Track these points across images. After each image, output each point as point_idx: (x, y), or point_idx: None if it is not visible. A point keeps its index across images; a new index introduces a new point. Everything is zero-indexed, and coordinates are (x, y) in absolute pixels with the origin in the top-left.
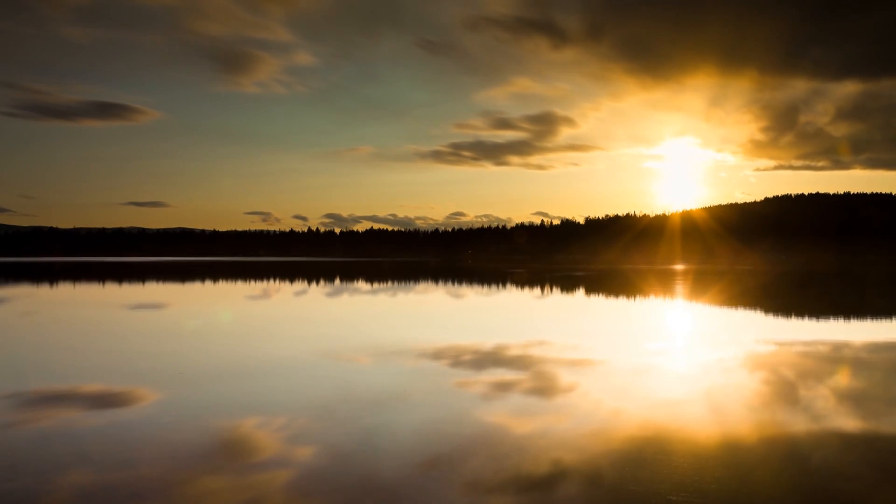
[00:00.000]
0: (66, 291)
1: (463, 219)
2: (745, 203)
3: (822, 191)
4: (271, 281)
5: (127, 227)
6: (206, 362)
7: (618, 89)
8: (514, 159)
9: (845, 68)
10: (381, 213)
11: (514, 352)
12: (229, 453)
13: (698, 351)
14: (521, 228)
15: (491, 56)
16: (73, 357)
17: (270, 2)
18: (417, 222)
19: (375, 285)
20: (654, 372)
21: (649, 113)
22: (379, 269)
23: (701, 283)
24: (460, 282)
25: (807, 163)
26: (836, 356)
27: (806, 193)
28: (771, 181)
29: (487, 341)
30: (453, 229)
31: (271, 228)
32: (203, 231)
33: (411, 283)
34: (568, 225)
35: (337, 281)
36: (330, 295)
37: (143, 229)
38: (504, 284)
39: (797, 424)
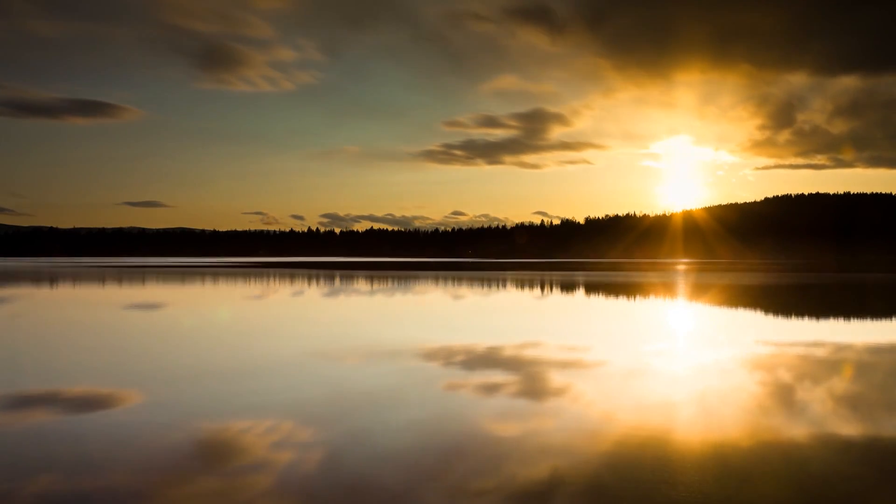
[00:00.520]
0: (57, 293)
1: (461, 218)
2: (746, 203)
3: (822, 191)
4: (300, 283)
5: (127, 227)
6: (193, 362)
7: (608, 86)
8: (508, 158)
9: (844, 63)
10: (379, 213)
11: (516, 352)
12: (209, 456)
13: (696, 352)
14: (522, 228)
15: (478, 53)
16: (56, 358)
17: None
18: (416, 222)
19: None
20: (650, 373)
21: (642, 110)
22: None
23: (704, 284)
24: (469, 281)
25: (806, 161)
26: (837, 358)
27: (806, 193)
28: (770, 180)
29: (484, 342)
30: (453, 229)
31: (271, 228)
32: (203, 231)
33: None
34: (568, 225)
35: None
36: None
37: (143, 229)
38: (508, 285)
39: (800, 429)
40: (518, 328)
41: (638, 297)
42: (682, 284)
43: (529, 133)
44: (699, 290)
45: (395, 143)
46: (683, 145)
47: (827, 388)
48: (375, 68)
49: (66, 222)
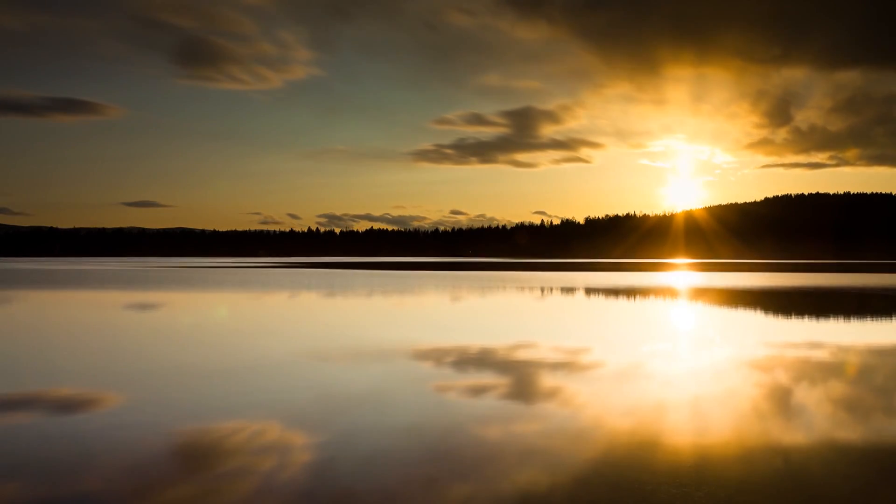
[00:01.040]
0: (46, 295)
1: (459, 218)
2: (746, 203)
3: (822, 190)
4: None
5: (126, 227)
6: (180, 362)
7: (598, 82)
8: (500, 156)
9: (844, 58)
10: (376, 213)
11: (510, 354)
12: (192, 459)
13: (692, 354)
14: (522, 228)
15: (463, 49)
16: (37, 359)
17: None
18: (414, 222)
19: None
20: (645, 375)
21: (634, 107)
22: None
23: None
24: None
25: (804, 160)
26: (832, 360)
27: (806, 193)
28: (770, 180)
29: (481, 342)
30: (453, 229)
31: (270, 228)
32: (203, 231)
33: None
34: (568, 225)
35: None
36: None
37: (144, 229)
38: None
39: (796, 431)
40: (534, 330)
41: (640, 299)
42: (683, 286)
43: (520, 131)
44: (700, 292)
45: (386, 142)
46: (679, 143)
47: (821, 390)
48: (361, 65)
49: (56, 221)
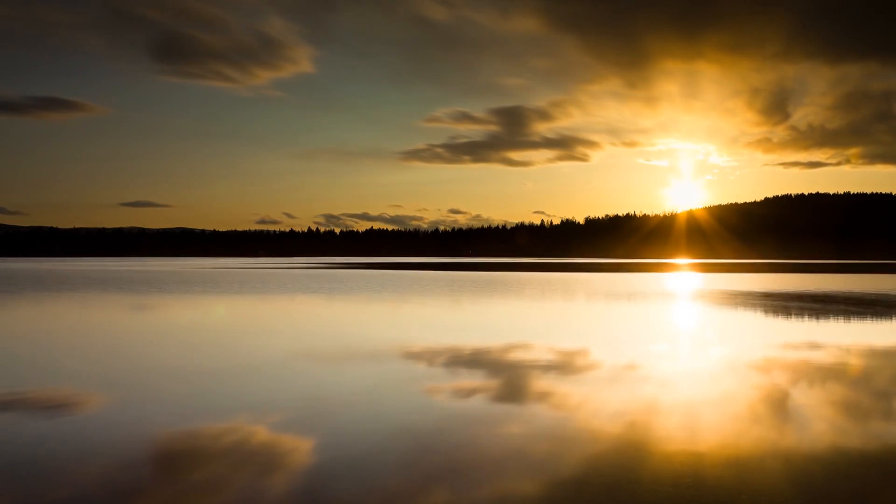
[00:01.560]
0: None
1: (456, 217)
2: (746, 203)
3: (822, 190)
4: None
5: (127, 227)
6: (166, 364)
7: (587, 79)
8: (493, 155)
9: (843, 51)
10: (373, 213)
11: (500, 355)
12: (179, 461)
13: (690, 355)
14: (522, 228)
15: (451, 45)
16: (28, 360)
17: None
18: (412, 222)
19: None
20: (644, 376)
21: (627, 105)
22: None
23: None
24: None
25: (803, 159)
26: (822, 362)
27: (806, 193)
28: (770, 179)
29: (478, 342)
30: (453, 229)
31: (268, 228)
32: (203, 231)
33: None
34: (568, 225)
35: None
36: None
37: (144, 229)
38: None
39: (793, 433)
40: (539, 332)
41: (640, 300)
42: (683, 287)
43: (511, 129)
44: (700, 293)
45: (376, 141)
46: (676, 142)
47: (819, 391)
48: (348, 61)
49: (55, 221)
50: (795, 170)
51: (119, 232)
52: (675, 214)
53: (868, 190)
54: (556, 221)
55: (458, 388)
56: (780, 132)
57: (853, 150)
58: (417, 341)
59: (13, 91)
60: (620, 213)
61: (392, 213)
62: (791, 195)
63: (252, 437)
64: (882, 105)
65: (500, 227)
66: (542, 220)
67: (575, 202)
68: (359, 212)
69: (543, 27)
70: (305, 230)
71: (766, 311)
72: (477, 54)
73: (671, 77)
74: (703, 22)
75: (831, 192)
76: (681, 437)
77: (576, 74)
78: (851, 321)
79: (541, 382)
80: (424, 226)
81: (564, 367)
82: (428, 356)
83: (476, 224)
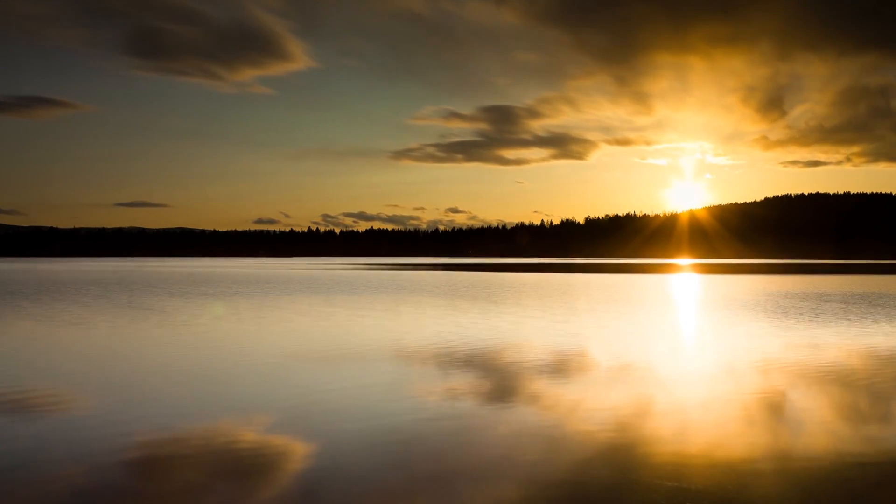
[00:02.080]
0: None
1: (454, 216)
2: (746, 203)
3: (821, 190)
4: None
5: (126, 227)
6: (166, 364)
7: (577, 75)
8: (485, 153)
9: (839, 45)
10: (371, 212)
11: (492, 356)
12: (152, 468)
13: (687, 356)
14: (522, 228)
15: (439, 43)
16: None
17: None
18: (410, 221)
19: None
20: (642, 378)
21: (621, 102)
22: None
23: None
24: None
25: (803, 158)
26: (814, 366)
27: (806, 193)
28: (769, 177)
29: (473, 343)
30: (453, 229)
31: (266, 228)
32: (203, 231)
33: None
34: (568, 225)
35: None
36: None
37: (143, 229)
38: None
39: (800, 436)
40: (546, 334)
41: (639, 301)
42: (683, 289)
43: (500, 127)
44: (700, 295)
45: (367, 140)
46: (672, 140)
47: (817, 393)
48: (336, 59)
49: (53, 221)
50: (795, 169)
51: (119, 232)
52: (676, 214)
53: (868, 190)
54: (556, 221)
55: (451, 390)
56: (778, 130)
57: (854, 149)
58: (442, 343)
59: None
60: (620, 213)
61: (389, 212)
62: (791, 195)
63: (243, 439)
64: (880, 101)
65: (500, 227)
66: (542, 220)
67: (572, 202)
68: (355, 211)
69: (528, 19)
70: (304, 230)
71: (766, 311)
72: (463, 50)
73: (663, 72)
74: (694, 13)
75: (831, 193)
76: (678, 440)
77: (564, 70)
78: (851, 321)
79: (534, 385)
80: (423, 225)
81: (560, 369)
82: (419, 357)
83: (474, 224)
